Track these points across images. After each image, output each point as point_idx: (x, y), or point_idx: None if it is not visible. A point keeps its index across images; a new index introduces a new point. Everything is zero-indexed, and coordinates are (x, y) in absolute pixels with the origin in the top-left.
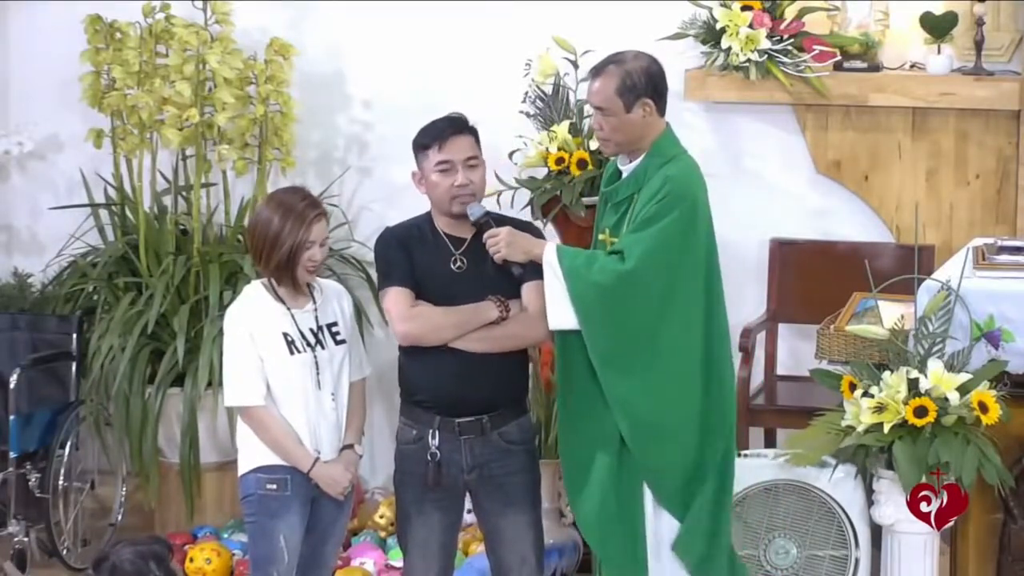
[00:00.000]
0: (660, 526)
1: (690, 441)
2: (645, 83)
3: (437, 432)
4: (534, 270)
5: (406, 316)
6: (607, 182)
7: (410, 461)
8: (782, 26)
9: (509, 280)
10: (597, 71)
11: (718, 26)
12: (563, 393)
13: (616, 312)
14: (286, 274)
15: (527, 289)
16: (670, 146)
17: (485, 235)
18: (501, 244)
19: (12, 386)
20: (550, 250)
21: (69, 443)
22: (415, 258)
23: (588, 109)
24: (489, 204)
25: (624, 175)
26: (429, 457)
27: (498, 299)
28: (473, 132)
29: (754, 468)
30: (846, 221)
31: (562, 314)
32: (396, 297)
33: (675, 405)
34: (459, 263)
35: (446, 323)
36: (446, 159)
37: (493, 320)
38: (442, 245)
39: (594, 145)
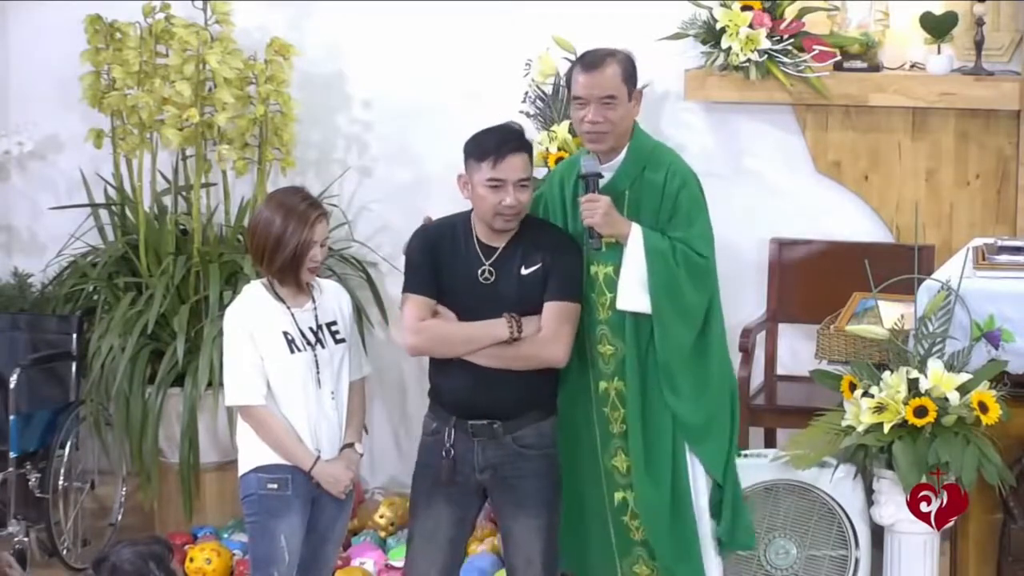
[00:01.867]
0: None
1: (728, 424)
2: (635, 72)
3: (452, 430)
4: (560, 286)
5: (415, 329)
6: (574, 185)
7: (428, 453)
8: (782, 26)
9: (534, 296)
10: (596, 63)
11: (718, 26)
12: (640, 383)
13: (691, 298)
14: (289, 275)
15: (548, 309)
16: (646, 137)
17: (585, 196)
18: (598, 212)
19: (12, 386)
20: (636, 232)
21: (69, 443)
22: (443, 264)
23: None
24: None
25: (609, 173)
26: (444, 453)
27: (512, 318)
28: (529, 149)
29: (754, 468)
30: (846, 221)
31: (637, 298)
32: (411, 307)
33: (720, 389)
34: (487, 274)
35: (453, 339)
36: (499, 178)
37: (504, 339)
38: (473, 253)
39: None
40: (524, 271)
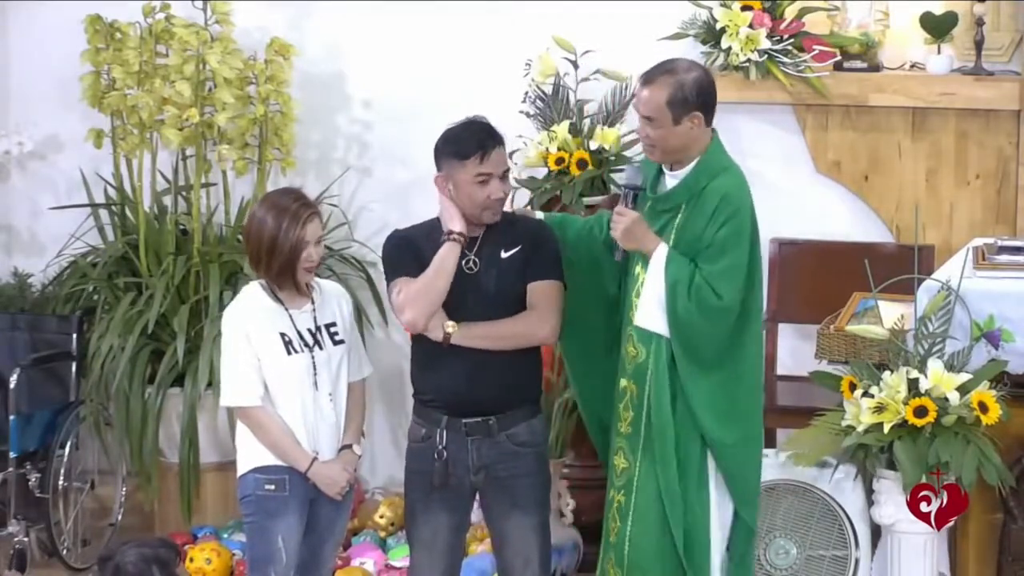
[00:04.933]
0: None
1: (756, 450)
2: (696, 96)
3: (444, 432)
4: (544, 266)
5: (398, 305)
6: (652, 185)
7: (418, 459)
8: (782, 26)
9: (513, 279)
10: (648, 79)
11: (718, 26)
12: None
13: (702, 333)
14: (287, 277)
15: (534, 288)
16: (719, 157)
17: (616, 208)
18: (619, 227)
19: (12, 386)
20: (660, 253)
21: (69, 443)
22: (425, 260)
23: (587, 109)
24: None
25: (671, 183)
26: (436, 456)
27: (451, 232)
28: (503, 142)
29: None
30: (846, 221)
31: (654, 317)
32: (398, 289)
33: (746, 415)
34: (471, 264)
35: (422, 284)
36: (488, 172)
37: (456, 255)
38: None
39: (594, 145)
40: (504, 255)
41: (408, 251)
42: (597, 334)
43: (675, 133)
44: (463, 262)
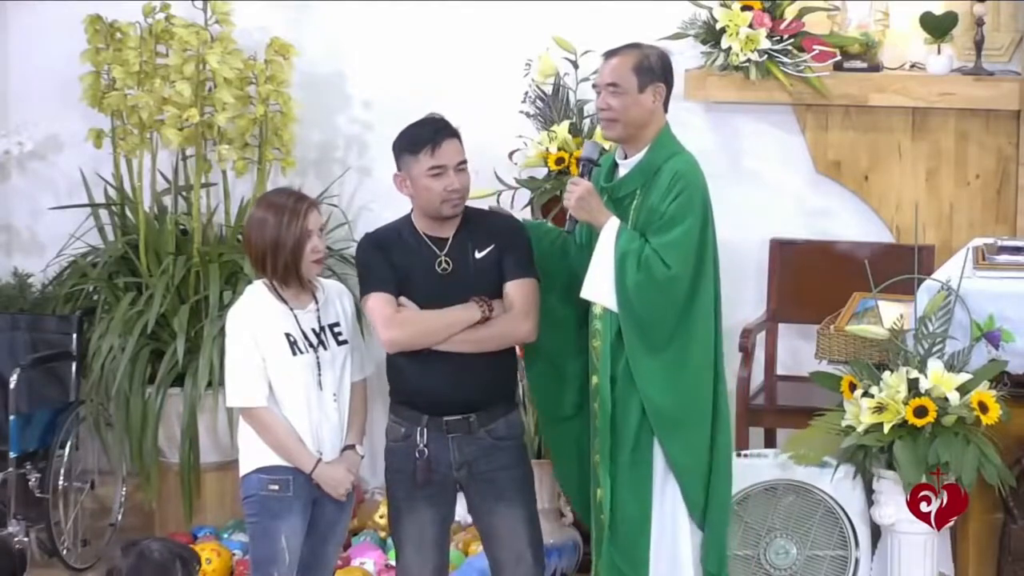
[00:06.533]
0: (678, 535)
1: (703, 434)
2: (660, 68)
3: (425, 430)
4: (519, 264)
5: (391, 322)
6: (606, 177)
7: (399, 458)
8: (782, 26)
9: (493, 279)
10: (613, 52)
11: (718, 26)
12: (611, 377)
13: (651, 305)
14: (292, 274)
15: (511, 288)
16: (671, 142)
17: (571, 179)
18: (572, 196)
19: (12, 386)
20: (611, 225)
21: (69, 443)
22: (398, 262)
23: (589, 109)
24: (489, 204)
25: (624, 170)
26: (417, 455)
27: (481, 299)
28: (458, 135)
29: (754, 468)
30: (846, 221)
31: (602, 290)
32: (377, 303)
33: (693, 394)
34: (444, 265)
35: (431, 327)
36: (440, 164)
37: (477, 320)
38: (425, 247)
39: None
40: (477, 255)
41: (380, 257)
42: (569, 337)
43: (639, 102)
44: (436, 263)
